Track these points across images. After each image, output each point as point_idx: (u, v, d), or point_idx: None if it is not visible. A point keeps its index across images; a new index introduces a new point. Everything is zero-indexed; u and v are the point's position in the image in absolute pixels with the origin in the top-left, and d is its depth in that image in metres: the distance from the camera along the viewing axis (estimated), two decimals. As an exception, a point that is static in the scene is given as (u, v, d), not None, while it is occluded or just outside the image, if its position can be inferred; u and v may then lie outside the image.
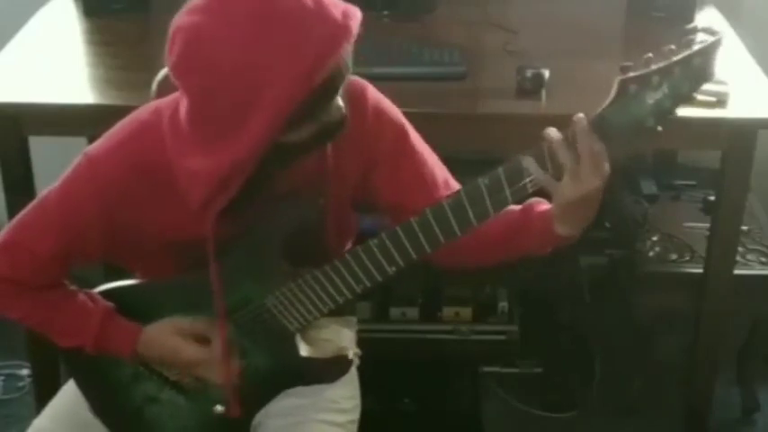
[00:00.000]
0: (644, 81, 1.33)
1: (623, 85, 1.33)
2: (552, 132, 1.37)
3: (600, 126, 1.35)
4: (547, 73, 2.11)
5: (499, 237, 1.54)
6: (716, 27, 1.42)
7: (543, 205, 1.50)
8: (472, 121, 2.13)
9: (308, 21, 1.31)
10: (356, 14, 1.37)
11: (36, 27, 2.41)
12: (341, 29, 1.33)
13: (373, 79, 1.66)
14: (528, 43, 2.32)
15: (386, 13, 2.45)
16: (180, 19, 1.36)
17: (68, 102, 2.12)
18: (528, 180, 1.40)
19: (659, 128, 1.35)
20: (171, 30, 1.36)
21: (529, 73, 2.11)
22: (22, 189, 2.12)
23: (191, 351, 1.61)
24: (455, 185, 1.62)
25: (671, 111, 1.34)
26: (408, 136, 1.63)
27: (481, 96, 2.19)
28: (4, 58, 2.26)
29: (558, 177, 1.38)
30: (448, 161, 1.68)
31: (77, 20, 2.47)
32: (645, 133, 1.35)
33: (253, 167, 1.37)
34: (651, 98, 1.33)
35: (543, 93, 2.10)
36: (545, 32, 2.41)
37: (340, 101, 1.42)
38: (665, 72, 1.32)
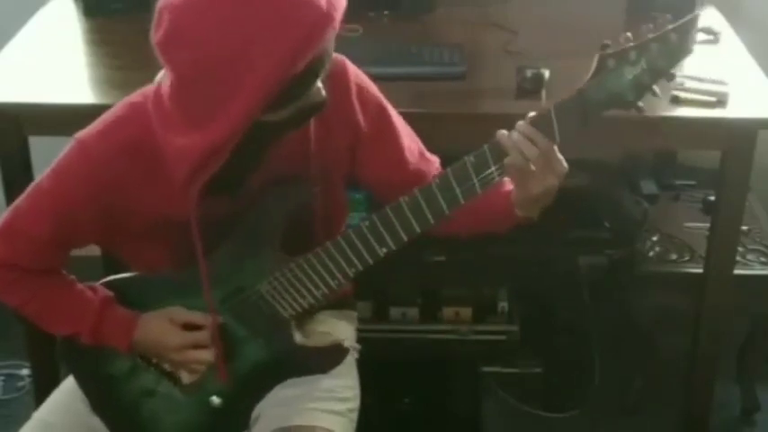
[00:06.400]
0: (622, 56, 1.41)
1: (602, 60, 1.41)
2: (499, 134, 1.46)
3: (581, 100, 1.42)
4: (547, 73, 2.11)
5: (470, 207, 1.56)
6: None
7: (508, 186, 1.56)
8: (472, 121, 2.13)
9: (294, 6, 1.33)
10: (341, 3, 1.38)
11: (36, 27, 2.41)
12: (325, 17, 1.35)
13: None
14: (528, 43, 2.31)
15: (386, 12, 2.44)
16: None
17: (68, 102, 2.12)
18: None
19: (640, 103, 1.43)
20: (158, 7, 1.38)
21: (529, 73, 2.11)
22: (21, 189, 2.11)
23: (175, 336, 1.62)
24: (429, 156, 1.69)
25: (650, 86, 1.42)
26: (388, 111, 1.66)
27: (481, 96, 2.19)
28: (4, 58, 2.26)
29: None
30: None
31: (77, 20, 2.47)
32: (626, 107, 1.43)
33: (232, 146, 1.39)
34: (630, 73, 1.41)
35: (543, 93, 2.10)
36: (545, 32, 2.41)
37: (320, 84, 1.44)
38: (642, 48, 1.41)
